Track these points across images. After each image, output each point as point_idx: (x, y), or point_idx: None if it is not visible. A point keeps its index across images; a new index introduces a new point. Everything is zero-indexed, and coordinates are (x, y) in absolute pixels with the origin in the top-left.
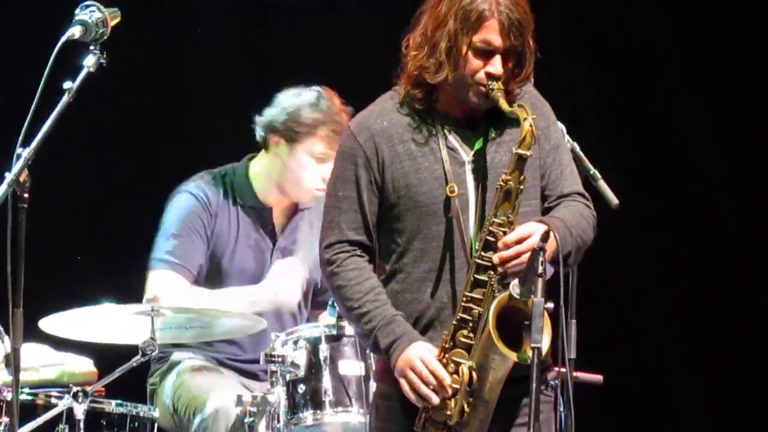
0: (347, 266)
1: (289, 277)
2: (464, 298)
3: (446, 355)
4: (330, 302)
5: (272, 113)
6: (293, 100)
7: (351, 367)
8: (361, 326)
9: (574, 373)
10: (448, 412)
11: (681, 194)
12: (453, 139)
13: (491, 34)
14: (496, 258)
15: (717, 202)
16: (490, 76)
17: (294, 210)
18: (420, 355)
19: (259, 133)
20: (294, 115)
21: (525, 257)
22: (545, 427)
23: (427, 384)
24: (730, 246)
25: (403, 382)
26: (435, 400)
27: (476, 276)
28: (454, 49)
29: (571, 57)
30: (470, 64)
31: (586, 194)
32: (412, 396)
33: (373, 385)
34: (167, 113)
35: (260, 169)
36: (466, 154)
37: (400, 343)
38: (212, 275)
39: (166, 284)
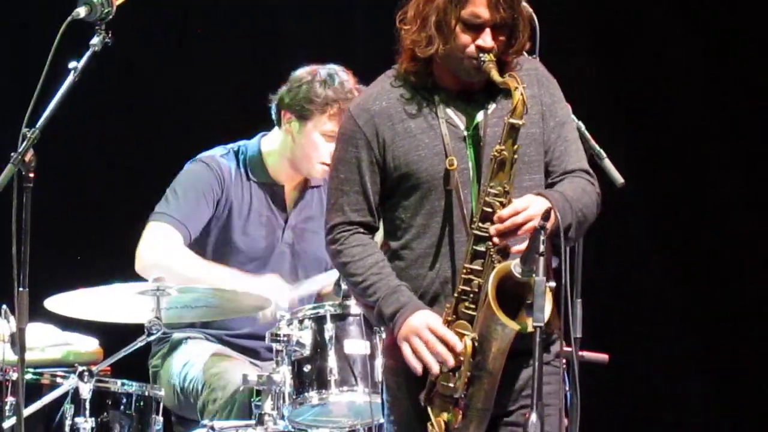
0: (351, 243)
1: (278, 290)
2: (464, 270)
3: (450, 328)
4: (336, 281)
5: (285, 90)
6: (306, 77)
7: (356, 346)
8: (366, 299)
9: (580, 353)
10: (452, 385)
11: (686, 172)
12: (452, 113)
13: (479, 7)
14: (492, 230)
15: (723, 180)
16: (480, 49)
17: (305, 188)
18: (427, 323)
19: (273, 110)
20: (305, 92)
21: (521, 230)
22: (553, 398)
23: (434, 353)
24: (736, 226)
25: (405, 348)
26: (435, 368)
27: (475, 247)
28: (443, 22)
29: (574, 37)
30: (460, 37)
31: (591, 171)
32: (412, 362)
33: (378, 364)
34: (177, 93)
35: (273, 147)
36: (465, 128)
37: (404, 311)
38: (223, 249)
39: (160, 237)
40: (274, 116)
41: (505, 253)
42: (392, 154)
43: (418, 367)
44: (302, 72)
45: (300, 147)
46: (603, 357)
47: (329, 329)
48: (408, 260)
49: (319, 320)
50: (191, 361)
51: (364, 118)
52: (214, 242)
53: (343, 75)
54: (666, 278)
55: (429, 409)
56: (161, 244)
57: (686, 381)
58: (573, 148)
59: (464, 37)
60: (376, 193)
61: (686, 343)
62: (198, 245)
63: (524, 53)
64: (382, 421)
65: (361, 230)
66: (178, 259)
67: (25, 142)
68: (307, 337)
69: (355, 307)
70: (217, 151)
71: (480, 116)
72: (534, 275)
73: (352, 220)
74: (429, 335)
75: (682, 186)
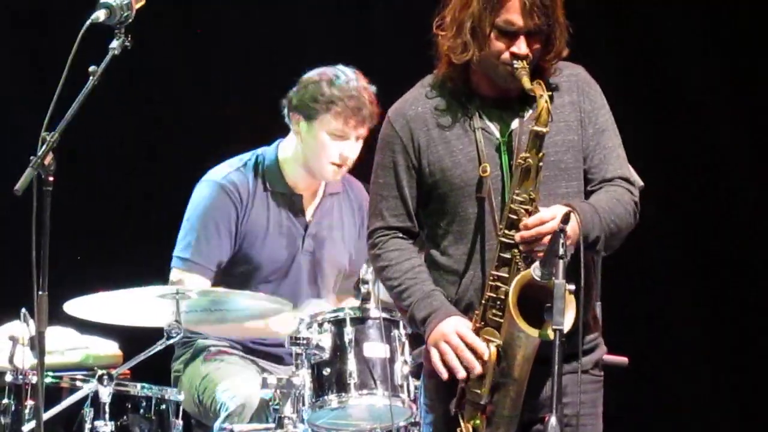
0: (389, 247)
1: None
2: (491, 277)
3: (478, 335)
4: (355, 285)
5: (293, 92)
6: (314, 77)
7: (376, 349)
8: (401, 302)
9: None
10: (479, 391)
11: (705, 175)
12: (487, 120)
13: (513, 14)
14: (517, 237)
15: (740, 183)
16: (514, 56)
17: (323, 195)
18: (456, 329)
19: (284, 112)
20: (312, 92)
21: (546, 239)
22: (589, 407)
23: (462, 359)
24: (755, 227)
25: (433, 352)
26: (461, 374)
27: (502, 254)
28: (478, 29)
29: (588, 38)
30: (494, 44)
31: (631, 179)
32: (439, 367)
33: (398, 368)
34: (193, 95)
35: (288, 153)
36: (500, 134)
37: (436, 316)
38: (242, 264)
39: (186, 285)
40: (286, 119)
41: (531, 261)
42: (427, 159)
43: (444, 374)
44: (311, 73)
45: (309, 148)
46: (623, 360)
47: (349, 332)
48: (445, 267)
49: (339, 323)
50: (210, 376)
51: (401, 123)
52: (235, 262)
53: (350, 74)
54: (687, 280)
55: (459, 416)
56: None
57: (706, 383)
58: (614, 156)
59: (498, 44)
60: (414, 198)
61: (706, 345)
62: (222, 266)
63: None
64: (402, 424)
65: (400, 235)
66: None
67: (44, 146)
68: (326, 340)
69: (374, 311)
70: (233, 164)
71: (515, 124)
72: (553, 278)
73: (390, 225)
74: (457, 341)
75: (702, 187)
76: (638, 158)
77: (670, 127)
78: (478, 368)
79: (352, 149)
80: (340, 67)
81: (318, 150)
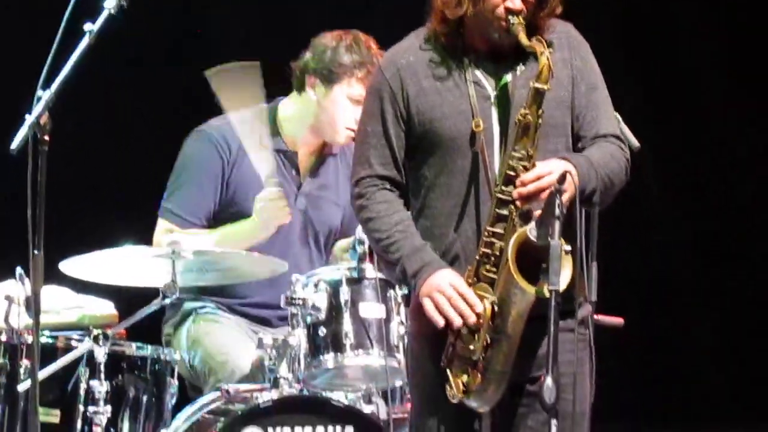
0: (376, 199)
1: (273, 202)
2: (486, 233)
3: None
4: (351, 245)
5: (309, 55)
6: (331, 42)
7: (372, 309)
8: (389, 256)
9: (595, 316)
10: (472, 347)
11: (701, 133)
12: (479, 73)
13: None
14: (515, 193)
15: (739, 138)
16: (509, 11)
17: (321, 155)
18: (450, 281)
19: (296, 74)
20: (332, 56)
21: (544, 194)
22: (577, 366)
23: (456, 309)
24: (750, 183)
25: (427, 303)
26: (458, 321)
27: (498, 211)
28: None
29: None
30: None
31: (623, 137)
32: (434, 316)
33: (393, 328)
34: (187, 55)
35: (291, 113)
36: (492, 88)
37: (427, 268)
38: (234, 218)
39: (168, 236)
40: (295, 82)
41: (527, 218)
42: (416, 108)
43: (440, 321)
44: (326, 37)
45: (325, 111)
46: (618, 321)
47: (345, 293)
48: (431, 219)
49: (335, 284)
50: (200, 341)
51: (391, 70)
52: (226, 216)
53: (368, 39)
54: (682, 240)
55: (448, 371)
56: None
57: (702, 342)
58: (604, 114)
59: None
60: (401, 148)
61: (702, 304)
62: (210, 218)
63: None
64: (397, 384)
65: (388, 186)
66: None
67: (39, 105)
68: (322, 300)
69: (370, 271)
70: (226, 120)
71: (508, 78)
72: (550, 239)
73: (378, 173)
74: (452, 291)
75: (698, 146)
76: (635, 116)
77: (667, 85)
78: (472, 318)
79: None
80: (354, 31)
81: (335, 114)
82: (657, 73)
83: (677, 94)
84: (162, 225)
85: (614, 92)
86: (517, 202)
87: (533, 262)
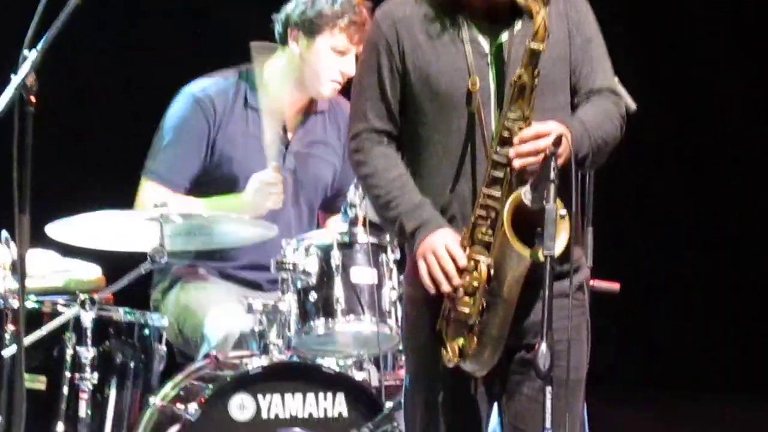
0: (374, 155)
1: (269, 186)
2: (482, 195)
3: (466, 252)
4: (342, 209)
5: (290, 7)
6: None
7: (363, 274)
8: (388, 213)
9: (591, 282)
10: (468, 310)
11: (702, 97)
12: (476, 32)
13: None
14: (512, 152)
15: (739, 98)
16: None
17: (308, 112)
18: (445, 241)
19: (277, 29)
20: (313, 7)
21: (541, 156)
22: (575, 332)
23: (443, 270)
24: (750, 144)
25: (421, 265)
26: (445, 286)
27: (493, 173)
28: None
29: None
30: None
31: (618, 90)
32: (426, 280)
33: (385, 294)
34: (173, 17)
35: (276, 69)
36: (488, 46)
37: (426, 227)
38: (221, 180)
39: (154, 198)
40: (278, 36)
41: (523, 180)
42: (412, 63)
43: (431, 287)
44: None
45: (308, 64)
46: (614, 286)
47: (336, 257)
48: (426, 177)
49: (326, 248)
50: (190, 307)
51: (387, 23)
52: (213, 179)
53: None
54: (678, 203)
55: (443, 335)
56: (152, 203)
57: (697, 307)
58: (600, 67)
59: None
60: (397, 102)
61: (698, 269)
62: (197, 182)
63: None
64: (388, 351)
65: (385, 140)
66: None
67: (25, 65)
68: (312, 265)
69: (362, 235)
70: (214, 78)
71: (504, 36)
72: (544, 202)
73: (376, 127)
74: (443, 253)
75: (699, 110)
76: (634, 76)
77: (666, 48)
78: (456, 280)
79: (352, 66)
80: None
81: (318, 67)
82: (658, 37)
83: (679, 59)
84: (147, 186)
85: (613, 55)
86: (515, 162)
87: (529, 225)
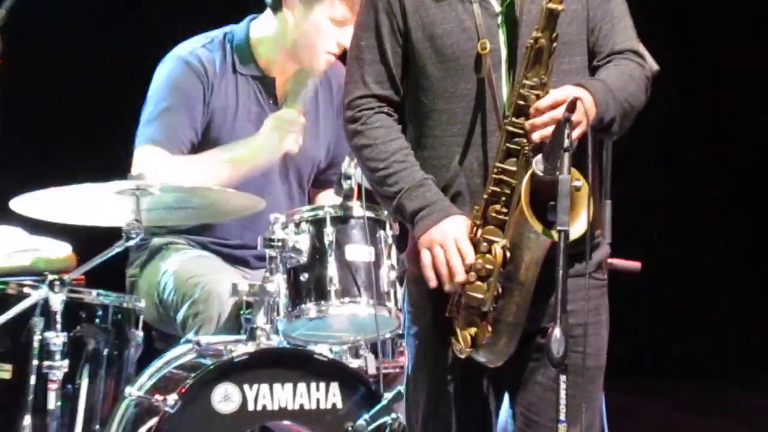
0: (373, 124)
1: (288, 123)
2: (495, 170)
3: (478, 233)
4: (336, 181)
5: None
6: None
7: (359, 252)
8: (386, 189)
9: (609, 260)
10: (481, 296)
11: (723, 54)
12: None
13: None
14: (527, 124)
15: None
16: None
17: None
18: (455, 234)
19: None
20: None
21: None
22: (592, 315)
23: (449, 265)
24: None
25: (425, 255)
26: (448, 285)
27: (508, 145)
28: None
29: None
30: None
31: (641, 51)
32: (427, 272)
33: (383, 273)
34: None
35: (264, 33)
36: (498, 5)
37: (431, 211)
38: (210, 147)
39: (153, 161)
40: (269, 1)
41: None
42: (415, 23)
43: (432, 280)
44: None
45: (304, 35)
46: (635, 265)
47: (329, 233)
48: (430, 149)
49: (318, 223)
50: (170, 270)
51: None
52: (199, 149)
53: None
54: (705, 174)
55: (454, 322)
56: (153, 167)
57: (720, 287)
58: (620, 26)
59: None
60: (398, 65)
61: (721, 246)
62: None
63: None
64: (387, 336)
65: (386, 109)
66: (177, 174)
67: None
68: (304, 242)
69: (357, 209)
70: (199, 41)
71: None
72: (558, 173)
73: (374, 93)
74: (452, 247)
75: (719, 78)
76: (655, 39)
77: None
78: (460, 276)
79: (348, 38)
80: None
81: (315, 37)
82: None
83: (704, 22)
84: (149, 150)
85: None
86: (533, 136)
87: (547, 202)
